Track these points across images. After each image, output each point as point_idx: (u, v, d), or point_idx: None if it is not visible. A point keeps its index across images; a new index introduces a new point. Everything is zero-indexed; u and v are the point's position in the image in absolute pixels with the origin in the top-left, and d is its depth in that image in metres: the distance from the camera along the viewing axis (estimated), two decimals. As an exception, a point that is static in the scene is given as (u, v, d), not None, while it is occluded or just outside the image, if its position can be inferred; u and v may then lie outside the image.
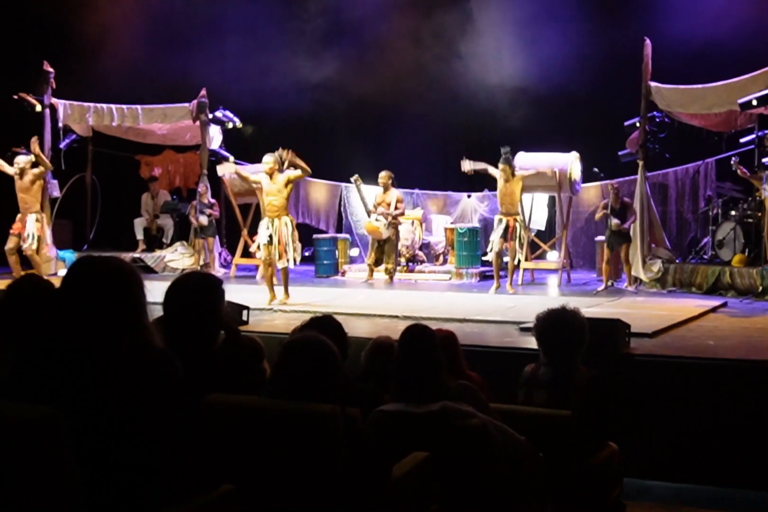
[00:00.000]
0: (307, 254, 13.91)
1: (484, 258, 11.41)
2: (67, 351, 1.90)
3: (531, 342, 5.49)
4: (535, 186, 10.89)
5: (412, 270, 12.09)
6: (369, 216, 11.44)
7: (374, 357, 3.71)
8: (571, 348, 3.40)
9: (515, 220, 9.84)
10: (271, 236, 8.14)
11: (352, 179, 11.62)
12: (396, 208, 11.40)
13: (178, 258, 12.78)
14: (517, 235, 9.79)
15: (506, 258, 10.05)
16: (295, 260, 8.15)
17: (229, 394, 2.51)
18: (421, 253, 12.50)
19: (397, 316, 7.44)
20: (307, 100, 13.29)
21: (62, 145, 12.28)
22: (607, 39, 11.88)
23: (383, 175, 11.49)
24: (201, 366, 2.54)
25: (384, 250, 11.43)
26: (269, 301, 8.22)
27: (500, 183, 9.87)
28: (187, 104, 12.17)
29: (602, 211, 10.11)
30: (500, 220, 9.88)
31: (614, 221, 9.90)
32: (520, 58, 12.12)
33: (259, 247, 8.31)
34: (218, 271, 12.24)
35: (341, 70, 12.91)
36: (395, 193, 11.50)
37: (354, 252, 13.39)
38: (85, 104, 12.29)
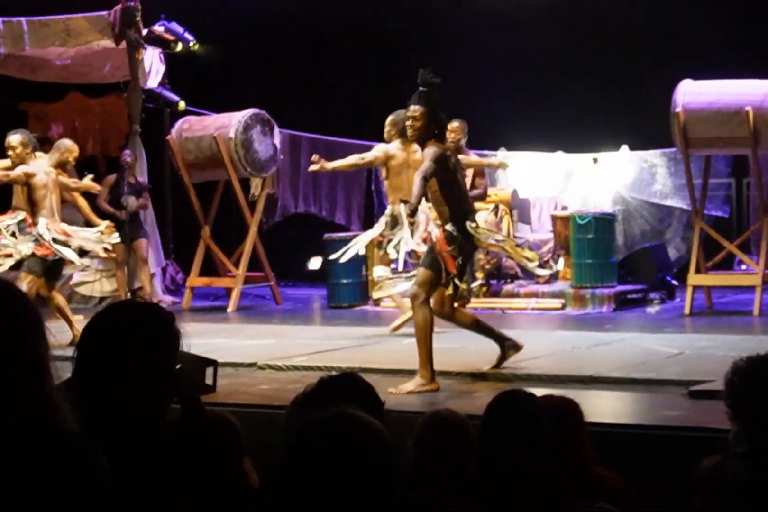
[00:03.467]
0: (315, 267, 14.00)
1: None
2: None
3: (713, 417, 5.42)
4: (710, 140, 10.82)
5: (496, 293, 12.09)
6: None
7: (431, 445, 3.73)
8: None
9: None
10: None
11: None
12: (473, 187, 11.37)
13: (92, 278, 12.88)
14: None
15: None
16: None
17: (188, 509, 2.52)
18: (512, 263, 12.49)
19: (472, 374, 7.45)
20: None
21: None
22: None
23: (455, 127, 10.96)
24: (138, 462, 2.56)
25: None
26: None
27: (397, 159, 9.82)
28: (104, 13, 12.29)
29: None
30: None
31: None
32: None
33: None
34: (163, 301, 12.33)
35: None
36: (473, 160, 11.47)
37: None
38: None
